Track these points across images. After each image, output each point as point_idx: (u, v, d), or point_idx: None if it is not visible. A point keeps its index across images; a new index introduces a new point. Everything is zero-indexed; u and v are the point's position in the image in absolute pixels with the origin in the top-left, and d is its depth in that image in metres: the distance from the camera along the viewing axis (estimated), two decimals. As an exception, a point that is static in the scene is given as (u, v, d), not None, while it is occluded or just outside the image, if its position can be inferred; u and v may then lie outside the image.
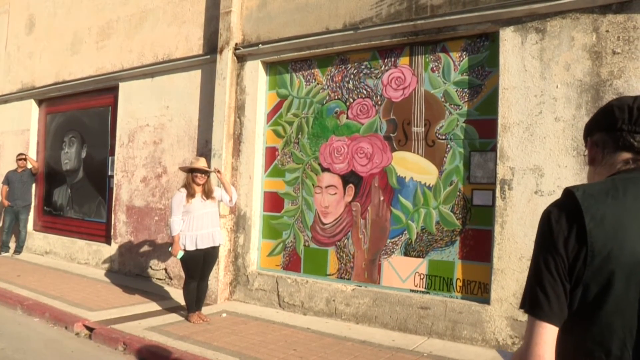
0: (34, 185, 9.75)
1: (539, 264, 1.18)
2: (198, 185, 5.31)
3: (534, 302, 1.17)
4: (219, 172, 5.57)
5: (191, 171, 5.33)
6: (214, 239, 5.39)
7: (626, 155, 1.24)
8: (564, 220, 1.16)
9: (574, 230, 1.14)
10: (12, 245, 9.50)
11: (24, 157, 9.46)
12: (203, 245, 5.27)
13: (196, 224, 5.26)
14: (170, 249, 5.38)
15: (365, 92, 5.69)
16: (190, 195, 5.27)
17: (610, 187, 1.17)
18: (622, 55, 4.17)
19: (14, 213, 9.27)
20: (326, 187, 5.92)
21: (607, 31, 4.24)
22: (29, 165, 9.55)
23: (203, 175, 5.33)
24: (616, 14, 4.21)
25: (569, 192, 1.19)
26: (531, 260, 1.23)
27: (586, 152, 1.37)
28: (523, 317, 4.44)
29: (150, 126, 7.65)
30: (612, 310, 1.11)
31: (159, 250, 7.30)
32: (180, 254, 5.21)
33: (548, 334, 1.14)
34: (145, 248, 7.54)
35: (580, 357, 1.15)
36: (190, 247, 5.23)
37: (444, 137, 5.17)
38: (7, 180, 9.35)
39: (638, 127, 1.22)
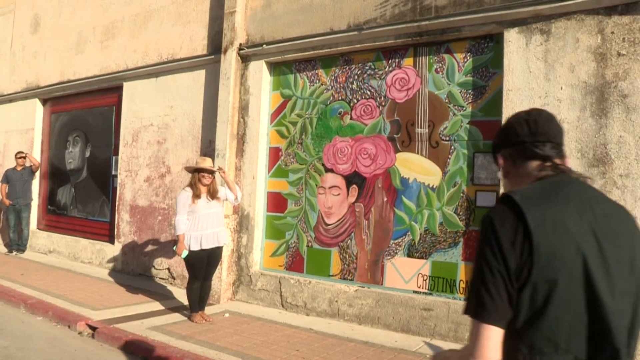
0: (34, 183, 9.76)
1: (484, 268, 1.21)
2: (204, 185, 5.31)
3: (481, 305, 1.20)
4: (222, 171, 5.57)
5: (197, 171, 5.32)
6: (218, 239, 5.39)
7: (535, 163, 1.38)
8: (508, 223, 1.21)
9: (519, 232, 1.19)
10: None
11: (23, 155, 9.45)
12: (208, 245, 5.27)
13: (201, 224, 5.25)
14: (174, 248, 5.38)
15: (369, 92, 5.68)
16: (196, 195, 5.26)
17: (543, 191, 1.27)
18: (627, 57, 4.15)
19: (16, 211, 9.29)
20: (329, 187, 5.92)
21: (612, 33, 4.22)
22: (28, 163, 9.55)
23: (209, 175, 5.32)
24: (621, 16, 4.19)
25: (507, 197, 1.25)
26: (475, 265, 1.25)
27: (499, 167, 1.49)
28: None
29: (154, 126, 7.67)
30: (559, 306, 1.17)
31: (162, 249, 7.31)
32: (185, 253, 5.21)
33: (494, 336, 1.19)
34: (149, 247, 7.55)
35: (533, 356, 1.19)
36: (195, 247, 5.22)
37: (447, 138, 5.16)
38: (7, 178, 9.34)
39: (538, 138, 1.37)
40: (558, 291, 1.17)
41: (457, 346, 4.68)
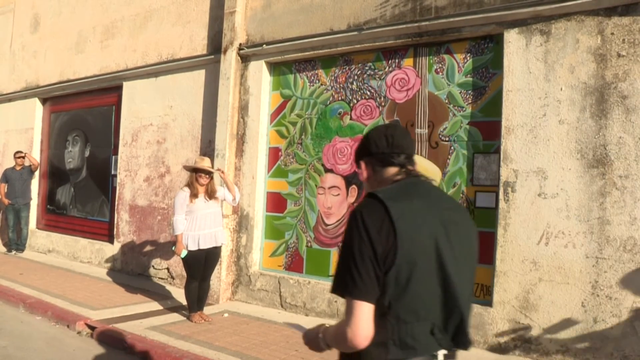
0: (33, 183, 9.76)
1: (355, 253, 1.42)
2: (201, 185, 5.30)
3: (352, 284, 1.41)
4: (222, 172, 5.56)
5: (195, 171, 5.32)
6: (216, 239, 5.37)
7: (393, 169, 1.65)
8: (375, 216, 1.43)
9: (385, 223, 1.42)
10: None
11: (23, 154, 9.44)
12: (205, 245, 5.26)
13: (199, 224, 5.24)
14: (173, 248, 5.37)
15: (369, 93, 5.68)
16: (194, 195, 5.25)
17: (400, 191, 1.54)
18: (627, 58, 4.15)
19: (15, 211, 9.28)
20: (329, 187, 5.92)
21: (612, 34, 4.22)
22: (27, 163, 9.54)
23: (206, 175, 5.31)
24: (621, 17, 4.19)
25: (373, 195, 1.50)
26: (343, 250, 1.46)
27: (362, 172, 1.73)
28: (525, 319, 4.43)
29: (154, 126, 7.66)
30: (419, 283, 1.42)
31: (162, 249, 7.31)
32: (184, 252, 5.20)
33: (366, 311, 1.40)
34: (148, 247, 7.55)
35: (399, 326, 1.42)
36: (193, 247, 5.21)
37: (447, 139, 5.16)
38: (6, 178, 9.33)
39: (394, 150, 1.64)
40: (417, 271, 1.42)
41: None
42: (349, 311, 1.42)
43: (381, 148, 1.66)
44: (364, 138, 1.73)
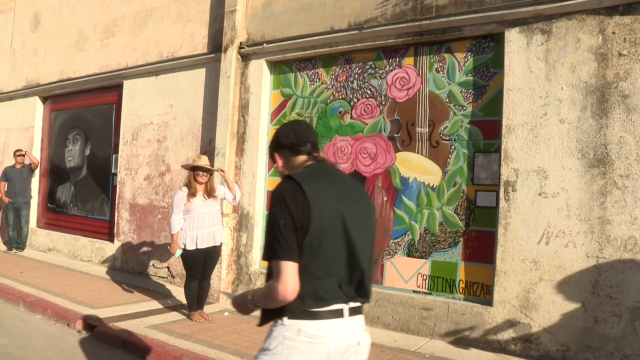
0: (34, 181, 9.75)
1: (279, 224, 1.73)
2: (200, 183, 5.27)
3: (279, 249, 1.72)
4: (222, 171, 5.55)
5: (193, 169, 5.30)
6: (214, 238, 5.34)
7: (302, 157, 1.97)
8: (293, 194, 1.75)
9: (300, 199, 1.73)
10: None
11: (23, 153, 9.42)
12: (203, 244, 5.23)
13: (197, 223, 5.22)
14: (169, 248, 5.36)
15: (369, 92, 5.68)
16: (192, 194, 5.23)
17: (311, 174, 1.86)
18: (628, 57, 4.14)
19: (15, 209, 9.27)
20: (329, 186, 5.90)
21: (613, 33, 4.21)
22: (27, 161, 9.53)
23: (205, 173, 5.29)
24: (623, 16, 4.18)
25: (289, 177, 1.82)
26: (270, 223, 1.78)
27: (277, 162, 2.03)
28: (526, 319, 4.42)
29: (154, 124, 7.66)
30: (328, 246, 1.75)
31: (162, 248, 7.31)
32: (179, 252, 5.19)
33: (292, 269, 1.71)
34: (148, 246, 7.55)
35: (313, 282, 1.74)
36: (191, 246, 5.20)
37: (448, 138, 5.15)
38: (6, 176, 9.32)
39: (301, 140, 1.97)
40: (327, 237, 1.75)
41: (459, 347, 4.69)
42: (278, 272, 1.71)
43: (290, 139, 1.98)
44: (275, 134, 2.05)
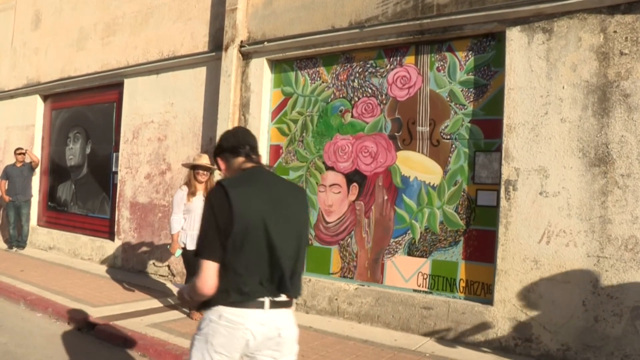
0: (34, 180, 9.74)
1: (206, 226, 1.94)
2: (200, 182, 5.26)
3: (203, 249, 1.93)
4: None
5: (193, 168, 5.29)
6: None
7: (240, 159, 2.15)
8: (219, 199, 1.92)
9: (225, 204, 1.90)
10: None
11: (23, 151, 9.40)
12: None
13: (197, 223, 5.20)
14: (169, 247, 5.36)
15: (370, 90, 5.67)
16: (192, 193, 5.22)
17: (240, 178, 2.04)
18: (629, 56, 4.13)
19: (16, 208, 9.27)
20: (330, 185, 5.91)
21: (614, 32, 4.20)
22: (28, 160, 9.52)
23: (205, 172, 5.28)
24: (624, 15, 4.17)
25: (219, 183, 1.98)
26: (202, 224, 1.96)
27: (220, 165, 2.22)
28: (526, 318, 4.42)
29: (155, 123, 7.66)
30: (250, 246, 1.92)
31: (162, 247, 7.31)
32: (179, 252, 5.18)
33: (212, 267, 1.90)
34: (149, 245, 7.55)
35: (236, 278, 1.92)
36: (191, 246, 5.17)
37: (448, 137, 5.15)
38: (7, 175, 9.31)
39: (240, 143, 2.15)
40: (249, 238, 1.91)
41: (459, 346, 4.69)
42: (200, 269, 1.92)
43: (230, 142, 2.17)
44: (218, 140, 2.24)
